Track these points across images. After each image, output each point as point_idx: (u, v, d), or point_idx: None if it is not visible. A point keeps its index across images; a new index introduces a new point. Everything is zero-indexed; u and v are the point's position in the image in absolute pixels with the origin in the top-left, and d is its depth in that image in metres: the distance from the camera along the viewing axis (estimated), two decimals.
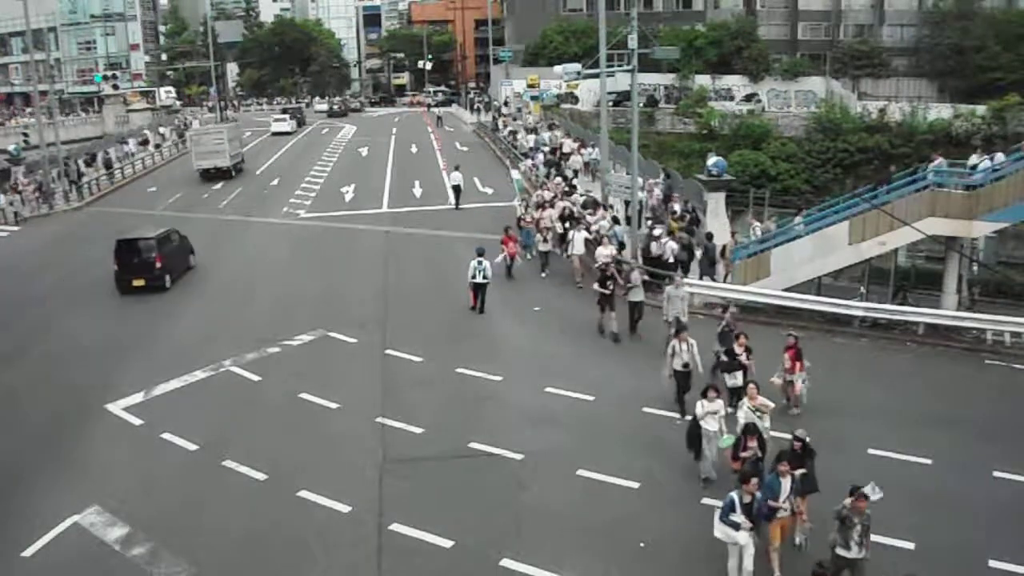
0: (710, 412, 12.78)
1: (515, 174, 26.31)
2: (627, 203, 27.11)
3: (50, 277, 26.81)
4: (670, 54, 28.80)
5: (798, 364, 15.19)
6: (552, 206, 26.00)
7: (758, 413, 12.57)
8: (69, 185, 41.28)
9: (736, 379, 14.58)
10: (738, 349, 14.85)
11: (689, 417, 13.55)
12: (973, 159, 24.12)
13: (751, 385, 13.16)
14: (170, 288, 24.47)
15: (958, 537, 11.58)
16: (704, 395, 13.04)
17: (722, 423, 12.82)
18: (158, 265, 24.14)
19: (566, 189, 29.61)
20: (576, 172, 37.31)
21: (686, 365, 15.08)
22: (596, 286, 19.23)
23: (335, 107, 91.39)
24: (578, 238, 23.01)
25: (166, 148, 57.09)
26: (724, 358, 15.09)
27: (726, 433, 12.63)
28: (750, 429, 11.99)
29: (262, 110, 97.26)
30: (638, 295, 19.33)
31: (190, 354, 18.78)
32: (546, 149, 42.31)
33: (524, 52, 75.50)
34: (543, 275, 24.41)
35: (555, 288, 23.50)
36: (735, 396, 14.14)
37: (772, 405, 12.98)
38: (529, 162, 39.79)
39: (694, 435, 13.04)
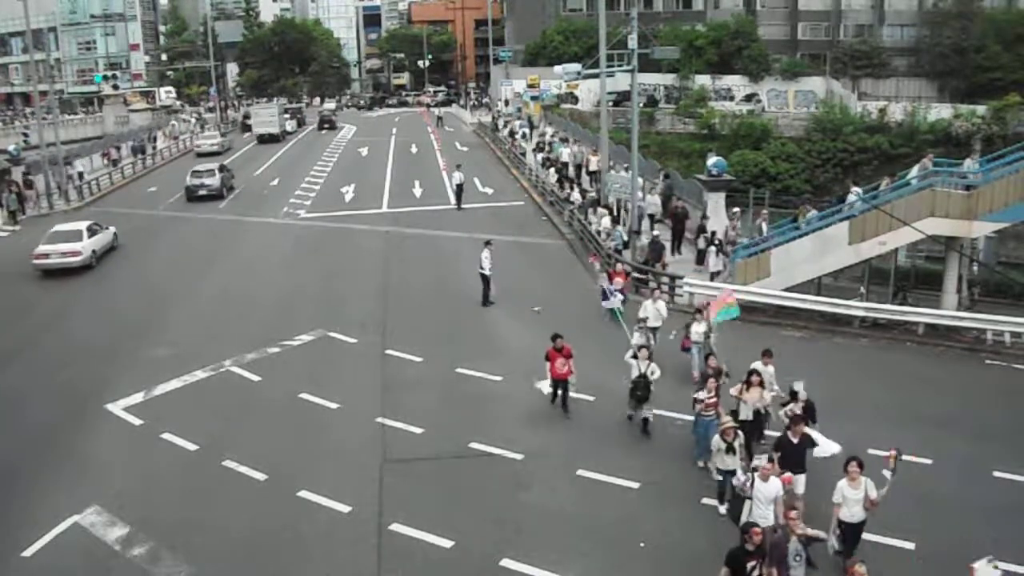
0: None
1: (615, 302, 18.78)
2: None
3: None
4: (670, 54, 28.82)
5: None
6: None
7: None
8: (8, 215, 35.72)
9: None
10: None
11: None
12: None
13: None
14: None
15: (958, 537, 11.57)
16: None
17: None
18: None
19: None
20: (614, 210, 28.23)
21: None
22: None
23: (362, 103, 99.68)
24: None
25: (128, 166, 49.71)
26: None
27: None
28: None
29: None
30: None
31: (190, 354, 18.77)
32: (540, 141, 41.98)
33: (524, 52, 75.64)
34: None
35: None
36: None
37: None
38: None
39: None
